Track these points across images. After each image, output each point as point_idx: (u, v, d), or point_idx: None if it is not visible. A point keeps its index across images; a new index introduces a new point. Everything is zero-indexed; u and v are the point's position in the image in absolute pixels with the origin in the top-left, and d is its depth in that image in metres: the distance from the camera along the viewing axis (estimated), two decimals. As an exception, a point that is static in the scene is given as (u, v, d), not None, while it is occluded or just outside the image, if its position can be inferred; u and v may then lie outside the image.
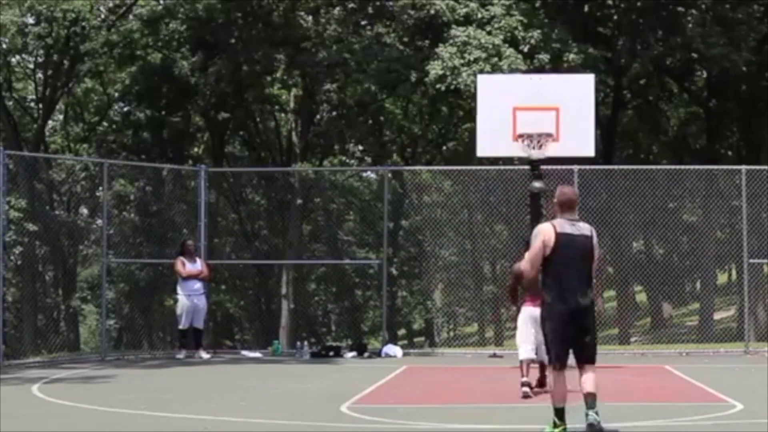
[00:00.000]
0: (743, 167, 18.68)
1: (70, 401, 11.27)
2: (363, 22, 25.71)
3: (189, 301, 17.22)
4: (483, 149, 16.26)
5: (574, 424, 8.39)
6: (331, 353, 17.79)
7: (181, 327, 17.39)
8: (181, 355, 17.25)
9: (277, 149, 30.62)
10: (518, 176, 18.22)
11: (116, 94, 29.65)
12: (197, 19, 23.91)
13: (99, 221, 25.68)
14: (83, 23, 23.71)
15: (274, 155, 30.36)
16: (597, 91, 18.78)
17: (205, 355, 17.33)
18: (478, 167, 21.78)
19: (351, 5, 25.01)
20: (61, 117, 31.25)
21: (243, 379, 14.17)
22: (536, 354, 11.64)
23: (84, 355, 19.82)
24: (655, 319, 28.43)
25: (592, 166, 17.95)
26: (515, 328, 12.61)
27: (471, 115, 20.74)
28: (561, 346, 8.40)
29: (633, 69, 25.31)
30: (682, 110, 29.82)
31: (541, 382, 11.64)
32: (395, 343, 19.92)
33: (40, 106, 28.60)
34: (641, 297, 29.37)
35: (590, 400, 8.27)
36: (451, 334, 30.72)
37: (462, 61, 20.32)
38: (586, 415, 8.22)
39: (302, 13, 25.18)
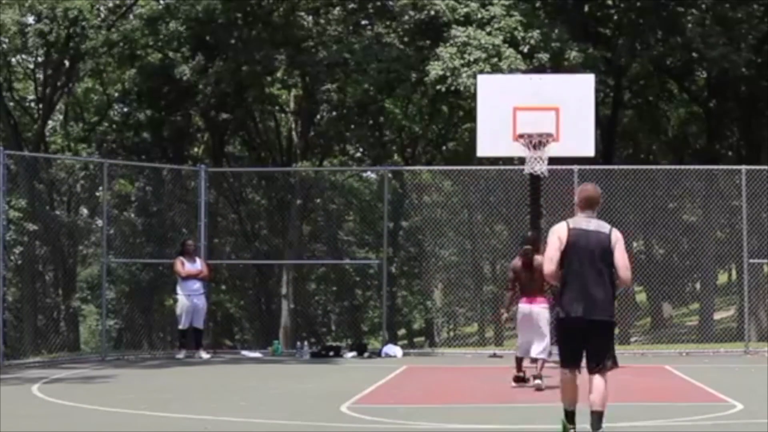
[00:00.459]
0: (743, 167, 18.68)
1: (70, 401, 11.27)
2: (363, 22, 25.71)
3: (188, 300, 17.22)
4: (483, 149, 16.27)
5: (582, 424, 8.21)
6: (331, 353, 17.79)
7: (180, 327, 17.40)
8: (181, 355, 17.25)
9: (277, 149, 30.63)
10: (518, 176, 18.20)
11: (116, 95, 29.67)
12: (197, 20, 23.92)
13: (99, 221, 25.68)
14: (83, 23, 23.71)
15: (274, 155, 30.37)
16: (597, 91, 18.78)
17: (205, 355, 17.34)
18: (478, 167, 21.79)
19: (351, 6, 25.02)
20: (61, 117, 31.24)
21: (243, 379, 14.17)
22: (529, 352, 12.28)
23: (84, 355, 19.81)
24: (655, 319, 28.44)
25: (592, 166, 17.93)
26: (515, 328, 12.84)
27: (471, 115, 20.75)
28: (568, 347, 7.99)
29: (633, 69, 25.32)
30: (682, 110, 29.82)
31: (520, 378, 12.24)
32: (395, 343, 19.92)
33: (40, 106, 28.59)
34: (641, 297, 29.36)
35: (595, 419, 7.78)
36: (451, 334, 30.69)
37: (462, 62, 20.32)
38: None
39: (302, 14, 25.19)
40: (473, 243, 26.86)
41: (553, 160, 15.87)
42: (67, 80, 27.51)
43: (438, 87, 20.82)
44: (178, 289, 17.38)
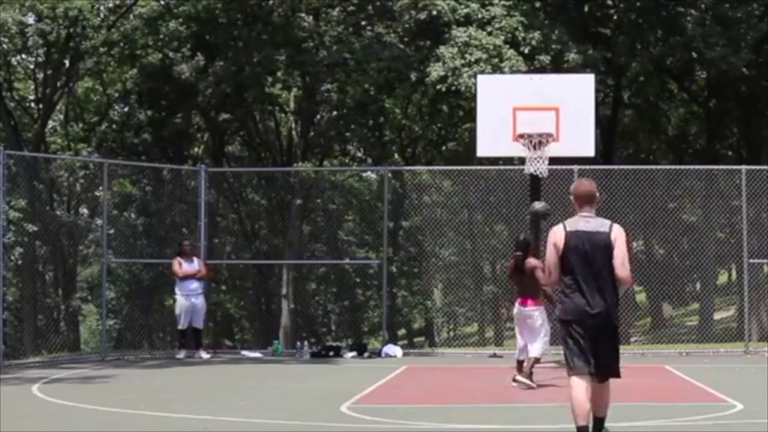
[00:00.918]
0: (743, 167, 18.68)
1: (70, 401, 11.28)
2: (363, 22, 25.70)
3: (187, 301, 17.25)
4: (483, 149, 16.26)
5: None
6: (331, 353, 17.79)
7: (180, 327, 17.43)
8: (181, 355, 17.27)
9: (277, 149, 30.62)
10: (518, 176, 18.20)
11: (116, 94, 29.66)
12: (197, 19, 23.92)
13: (99, 221, 25.66)
14: (83, 22, 23.71)
15: (274, 155, 30.36)
16: (597, 91, 18.77)
17: (205, 355, 17.35)
18: (478, 167, 21.78)
19: (351, 7, 25.00)
20: (61, 117, 31.23)
21: (243, 379, 14.17)
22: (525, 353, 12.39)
23: (84, 355, 19.82)
24: (655, 319, 28.42)
25: (592, 166, 17.92)
26: (514, 328, 12.99)
27: (471, 115, 20.72)
28: (572, 352, 7.67)
29: (633, 69, 25.30)
30: (682, 110, 29.82)
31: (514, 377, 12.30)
32: (395, 343, 19.92)
33: (40, 106, 28.58)
34: (641, 297, 29.35)
35: (597, 423, 7.68)
36: (451, 334, 30.68)
37: (463, 62, 20.32)
38: None
39: (303, 14, 25.18)
40: (473, 243, 26.85)
41: (553, 160, 15.86)
42: (67, 80, 27.49)
43: (438, 87, 20.82)
44: (177, 290, 17.44)
